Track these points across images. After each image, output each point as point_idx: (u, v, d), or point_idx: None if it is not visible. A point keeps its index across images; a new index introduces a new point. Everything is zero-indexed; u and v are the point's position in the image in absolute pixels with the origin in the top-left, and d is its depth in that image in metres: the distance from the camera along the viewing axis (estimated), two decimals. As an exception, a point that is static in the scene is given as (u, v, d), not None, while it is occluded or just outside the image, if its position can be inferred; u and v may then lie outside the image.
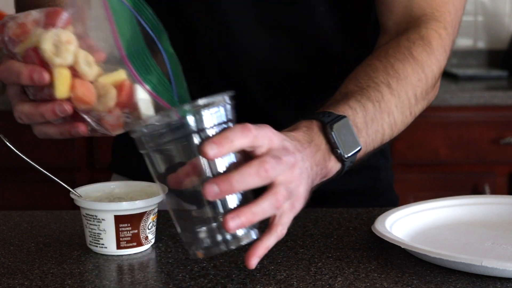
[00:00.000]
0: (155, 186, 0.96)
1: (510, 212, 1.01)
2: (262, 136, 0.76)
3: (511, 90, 2.55)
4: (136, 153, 1.31)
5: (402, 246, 0.85)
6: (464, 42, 2.97)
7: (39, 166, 0.91)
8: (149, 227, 0.91)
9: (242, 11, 1.08)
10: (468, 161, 2.47)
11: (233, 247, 0.77)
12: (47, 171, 0.91)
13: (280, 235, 0.79)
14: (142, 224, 0.90)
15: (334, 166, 0.87)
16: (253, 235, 0.78)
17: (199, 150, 0.74)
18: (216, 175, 0.75)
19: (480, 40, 3.01)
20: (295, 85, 1.13)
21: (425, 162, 2.46)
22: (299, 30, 1.10)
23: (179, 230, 0.79)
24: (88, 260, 0.89)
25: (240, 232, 0.77)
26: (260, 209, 0.75)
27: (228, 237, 0.77)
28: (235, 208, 0.75)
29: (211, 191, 0.73)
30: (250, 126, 0.75)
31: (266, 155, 0.76)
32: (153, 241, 0.93)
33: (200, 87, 0.93)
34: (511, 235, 0.94)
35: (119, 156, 1.28)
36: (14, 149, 0.89)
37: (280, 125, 1.14)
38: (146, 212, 0.90)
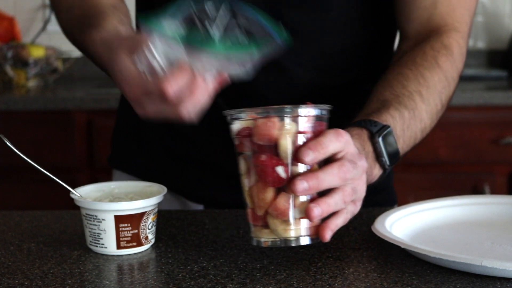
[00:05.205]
0: (155, 186, 0.96)
1: (510, 212, 1.01)
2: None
3: (511, 90, 2.55)
4: (138, 149, 1.31)
5: (402, 246, 0.85)
6: (464, 42, 2.96)
7: (39, 166, 0.91)
8: (149, 227, 0.91)
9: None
10: (468, 161, 2.47)
11: (294, 244, 0.82)
12: (47, 171, 0.91)
13: (345, 219, 0.84)
14: (142, 224, 0.90)
15: (377, 173, 0.95)
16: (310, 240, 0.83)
17: (296, 155, 0.79)
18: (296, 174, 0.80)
19: (480, 40, 3.01)
20: (300, 83, 1.14)
21: (425, 162, 2.46)
22: (309, 33, 1.12)
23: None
24: (88, 260, 0.89)
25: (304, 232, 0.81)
26: (333, 202, 0.81)
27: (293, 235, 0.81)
28: (315, 199, 0.81)
29: (301, 186, 0.78)
30: (342, 131, 0.82)
31: (344, 159, 0.82)
32: (153, 241, 0.93)
33: None
34: (511, 235, 0.94)
35: (120, 151, 1.28)
36: (14, 149, 0.89)
37: None
38: (146, 212, 0.90)
